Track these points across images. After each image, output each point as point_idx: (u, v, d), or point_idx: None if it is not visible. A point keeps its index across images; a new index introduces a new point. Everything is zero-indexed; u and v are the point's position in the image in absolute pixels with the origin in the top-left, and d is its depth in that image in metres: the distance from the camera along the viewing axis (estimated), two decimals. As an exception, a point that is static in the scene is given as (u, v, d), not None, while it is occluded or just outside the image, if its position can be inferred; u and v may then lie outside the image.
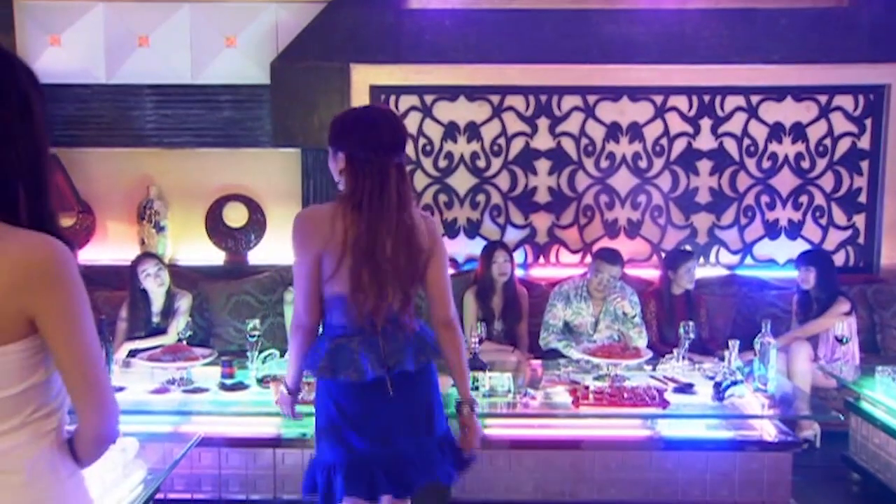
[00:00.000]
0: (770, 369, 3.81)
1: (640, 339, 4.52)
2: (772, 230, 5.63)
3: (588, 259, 5.56)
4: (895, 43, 5.28)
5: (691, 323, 4.23)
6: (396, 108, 5.53)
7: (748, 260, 5.66)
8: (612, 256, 4.67)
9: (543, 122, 5.56)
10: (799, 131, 5.55)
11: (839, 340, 4.34)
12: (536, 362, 4.49)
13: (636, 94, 5.53)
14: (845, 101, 5.51)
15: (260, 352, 4.05)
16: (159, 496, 3.33)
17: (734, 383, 3.70)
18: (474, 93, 5.54)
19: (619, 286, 4.67)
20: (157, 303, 4.73)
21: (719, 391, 3.69)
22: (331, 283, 2.40)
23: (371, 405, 2.43)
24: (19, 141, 1.37)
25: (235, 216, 5.74)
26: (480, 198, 5.63)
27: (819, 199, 5.60)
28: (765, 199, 5.61)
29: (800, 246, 5.49)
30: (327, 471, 2.49)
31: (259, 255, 5.73)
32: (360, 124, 2.42)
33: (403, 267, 2.40)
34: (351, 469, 2.44)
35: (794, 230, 5.62)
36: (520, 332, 5.00)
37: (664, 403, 3.60)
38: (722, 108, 5.54)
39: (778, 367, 4.04)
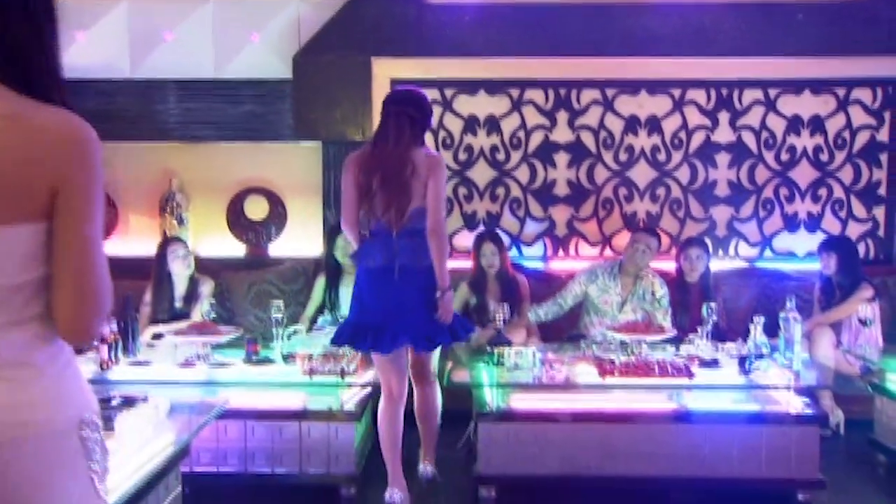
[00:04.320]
0: (795, 345, 3.80)
1: (665, 321, 4.53)
2: (791, 223, 5.64)
3: (608, 251, 5.61)
4: (913, 36, 5.33)
5: (713, 304, 4.25)
6: (417, 101, 5.58)
7: (767, 253, 5.66)
8: (650, 230, 4.93)
9: (563, 116, 5.60)
10: (817, 124, 5.57)
11: (862, 322, 4.33)
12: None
13: (655, 87, 5.57)
14: (864, 94, 5.53)
15: (285, 327, 4.08)
16: (185, 469, 3.32)
17: (759, 356, 3.70)
18: (494, 86, 5.59)
19: (651, 273, 4.74)
20: (181, 287, 4.77)
21: (745, 365, 3.69)
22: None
23: (380, 286, 3.38)
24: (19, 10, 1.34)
25: (256, 209, 5.78)
26: (500, 191, 5.66)
27: (838, 192, 5.61)
28: (784, 191, 5.62)
29: (819, 239, 5.47)
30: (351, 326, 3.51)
31: (280, 248, 5.76)
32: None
33: (394, 192, 3.32)
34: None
35: (814, 223, 5.62)
36: (524, 321, 4.93)
37: (690, 375, 3.60)
38: (740, 102, 5.57)
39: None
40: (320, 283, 4.94)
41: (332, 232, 5.00)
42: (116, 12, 5.57)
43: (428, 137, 5.53)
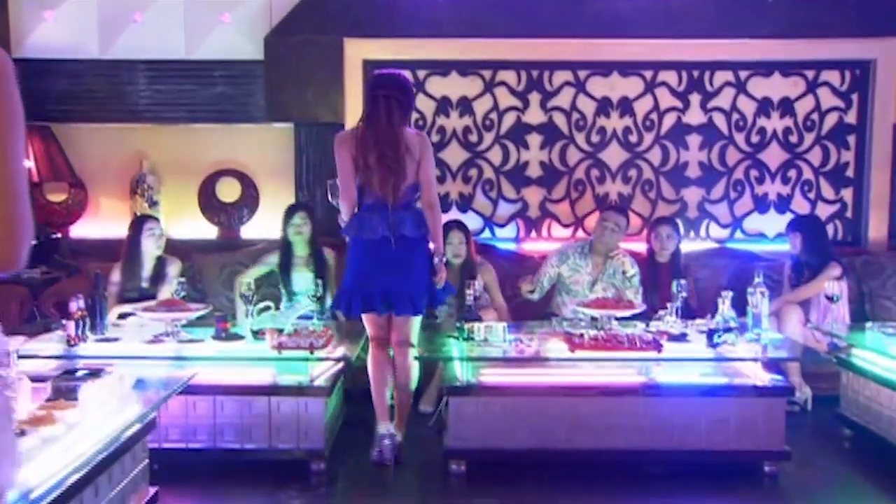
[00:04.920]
0: (763, 319, 3.84)
1: (636, 299, 4.55)
2: (761, 204, 5.69)
3: (580, 233, 5.63)
4: (881, 18, 5.39)
5: (683, 281, 4.27)
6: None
7: (738, 234, 5.71)
8: (619, 208, 4.99)
9: (535, 97, 5.61)
10: (787, 106, 5.62)
11: (829, 299, 4.36)
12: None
13: (626, 69, 5.59)
14: (832, 76, 5.59)
15: (255, 304, 4.06)
16: (154, 445, 3.30)
17: (727, 330, 3.73)
18: (466, 68, 5.59)
19: (622, 253, 4.76)
20: (148, 266, 4.73)
21: (712, 338, 3.72)
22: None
23: (379, 255, 3.57)
24: None
25: (228, 191, 5.76)
26: (472, 172, 5.66)
27: (807, 174, 5.66)
28: (754, 173, 5.66)
29: (789, 220, 5.52)
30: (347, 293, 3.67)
31: (252, 231, 5.74)
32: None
33: (391, 169, 3.51)
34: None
35: (783, 204, 5.68)
36: (496, 306, 4.92)
37: (659, 347, 3.63)
38: (711, 84, 5.61)
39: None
40: (272, 258, 4.95)
41: (289, 212, 4.94)
42: (85, -9, 5.51)
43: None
